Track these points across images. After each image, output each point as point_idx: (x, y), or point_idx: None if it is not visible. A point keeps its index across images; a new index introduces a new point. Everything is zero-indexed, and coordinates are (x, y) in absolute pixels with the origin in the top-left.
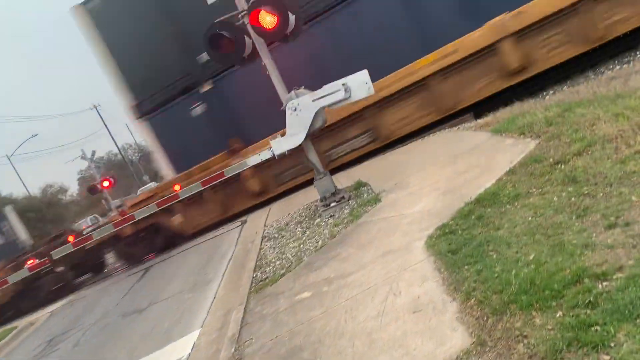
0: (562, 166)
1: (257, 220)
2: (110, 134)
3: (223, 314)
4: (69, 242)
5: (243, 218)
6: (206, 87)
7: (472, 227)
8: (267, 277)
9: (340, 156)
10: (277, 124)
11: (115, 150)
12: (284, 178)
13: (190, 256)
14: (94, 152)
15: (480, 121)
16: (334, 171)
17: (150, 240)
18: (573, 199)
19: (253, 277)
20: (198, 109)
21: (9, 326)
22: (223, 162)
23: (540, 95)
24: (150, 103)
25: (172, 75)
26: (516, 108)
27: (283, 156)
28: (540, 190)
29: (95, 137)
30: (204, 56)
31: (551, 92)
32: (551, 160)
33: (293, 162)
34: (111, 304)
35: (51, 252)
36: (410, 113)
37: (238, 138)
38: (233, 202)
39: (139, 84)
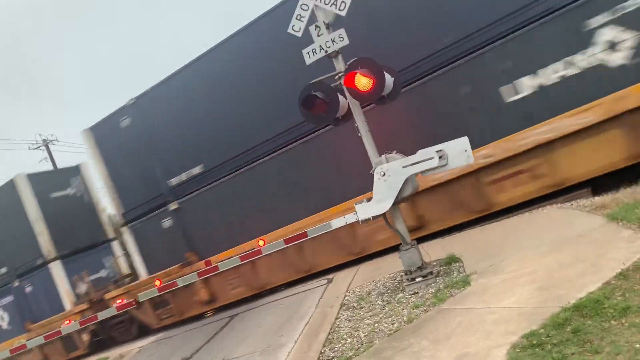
0: None
1: (342, 282)
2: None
3: None
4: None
5: (330, 276)
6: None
7: (565, 343)
8: (333, 357)
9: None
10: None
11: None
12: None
13: (274, 310)
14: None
15: (597, 199)
16: (428, 238)
17: None
18: None
19: (320, 353)
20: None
21: (101, 355)
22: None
23: None
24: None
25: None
26: None
27: (367, 221)
28: None
29: None
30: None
31: None
32: None
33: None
34: (192, 349)
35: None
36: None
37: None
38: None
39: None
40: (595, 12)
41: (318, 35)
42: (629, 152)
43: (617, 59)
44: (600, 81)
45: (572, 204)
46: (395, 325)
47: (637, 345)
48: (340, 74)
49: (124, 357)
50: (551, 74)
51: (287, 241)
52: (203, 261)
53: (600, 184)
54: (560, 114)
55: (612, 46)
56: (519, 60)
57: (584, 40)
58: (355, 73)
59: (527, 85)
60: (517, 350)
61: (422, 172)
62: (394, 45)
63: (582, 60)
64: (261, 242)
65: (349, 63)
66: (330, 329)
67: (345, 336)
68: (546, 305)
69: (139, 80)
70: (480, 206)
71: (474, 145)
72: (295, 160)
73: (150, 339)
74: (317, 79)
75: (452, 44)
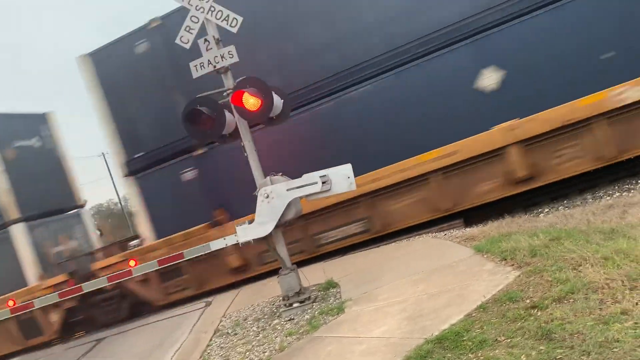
0: (539, 313)
1: (221, 305)
2: (114, 183)
3: None
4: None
5: (209, 298)
6: (199, 152)
7: None
8: None
9: (329, 242)
10: None
11: (116, 199)
12: (265, 258)
13: (147, 333)
14: (85, 201)
15: (468, 230)
16: (310, 261)
17: (116, 306)
18: None
19: None
20: (189, 174)
21: None
22: (205, 232)
23: (535, 212)
24: (141, 162)
25: (168, 136)
26: (505, 224)
27: (248, 244)
28: (509, 340)
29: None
30: None
31: (546, 209)
32: (528, 302)
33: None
34: None
35: None
36: (406, 208)
37: (223, 209)
38: (209, 277)
39: (132, 140)
40: None
41: (207, 50)
42: None
43: None
44: None
45: (445, 234)
46: (266, 354)
47: None
48: (228, 91)
49: None
50: None
51: (160, 262)
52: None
53: (471, 215)
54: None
55: None
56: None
57: None
58: (243, 92)
59: None
60: None
61: (305, 196)
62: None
63: None
64: None
65: (237, 81)
66: (200, 357)
67: None
68: (412, 336)
69: None
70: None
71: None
72: None
73: None
74: (204, 94)
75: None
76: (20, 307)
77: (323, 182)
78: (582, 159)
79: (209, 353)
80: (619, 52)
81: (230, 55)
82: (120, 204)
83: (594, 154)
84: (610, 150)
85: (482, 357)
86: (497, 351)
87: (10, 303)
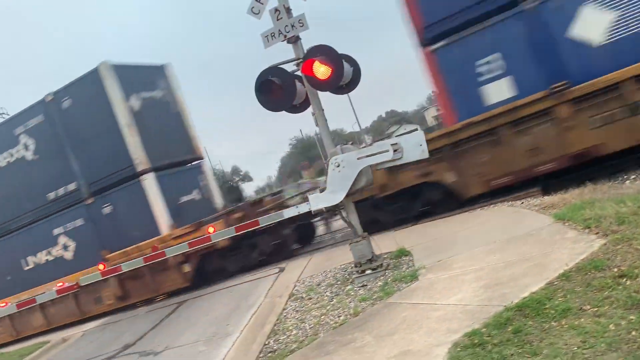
0: (628, 282)
1: (293, 271)
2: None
3: None
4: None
5: (282, 264)
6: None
7: (506, 343)
8: (276, 349)
9: None
10: None
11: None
12: None
13: (224, 297)
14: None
15: (547, 199)
16: (381, 229)
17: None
18: (634, 332)
19: (265, 344)
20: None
21: (42, 339)
22: None
23: (620, 179)
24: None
25: None
26: (588, 191)
27: (321, 212)
28: (596, 309)
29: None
30: None
31: (633, 176)
32: (616, 270)
33: None
34: (137, 335)
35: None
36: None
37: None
38: None
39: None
40: None
41: (277, 19)
42: None
43: None
44: None
45: (522, 202)
46: (341, 318)
47: (575, 348)
48: (298, 61)
49: (66, 341)
50: None
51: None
52: None
53: (550, 184)
54: None
55: None
56: None
57: None
58: (314, 60)
59: None
60: (458, 349)
61: (376, 164)
62: None
63: None
64: None
65: (307, 49)
66: (277, 320)
67: (290, 328)
68: (490, 303)
69: None
70: None
71: None
72: None
73: (95, 323)
74: (275, 64)
75: None
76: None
77: (394, 150)
78: None
79: (285, 316)
80: None
81: (301, 24)
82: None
83: None
84: None
85: (566, 326)
86: (582, 320)
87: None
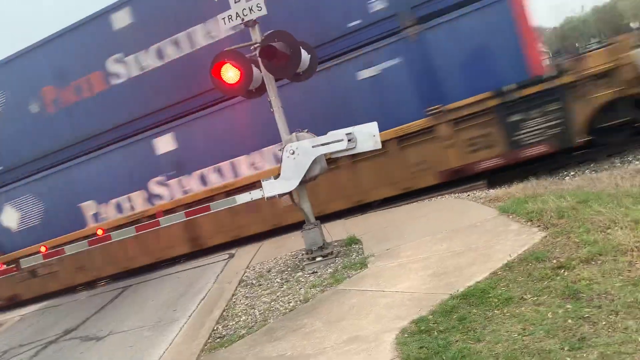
0: (566, 273)
1: (244, 257)
2: None
3: None
4: None
5: (232, 250)
6: None
7: (451, 330)
8: (225, 335)
9: None
10: None
11: None
12: None
13: (171, 283)
14: None
15: (492, 192)
16: (331, 217)
17: None
18: (570, 320)
19: (213, 330)
20: None
21: None
22: None
23: (560, 175)
24: None
25: None
26: (530, 186)
27: (273, 198)
28: (535, 298)
29: None
30: None
31: (572, 172)
32: (555, 262)
33: None
34: (79, 320)
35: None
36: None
37: None
38: None
39: None
40: None
41: (235, 2)
42: None
43: None
44: None
45: (468, 195)
46: (291, 304)
47: (515, 335)
48: (256, 45)
49: (2, 325)
50: None
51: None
52: None
53: (494, 178)
54: None
55: None
56: None
57: None
58: (272, 45)
59: None
60: (406, 335)
61: (330, 153)
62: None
63: None
64: None
65: (265, 34)
66: (226, 305)
67: (240, 314)
68: (437, 291)
69: None
70: None
71: None
72: None
73: (33, 307)
74: (232, 47)
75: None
76: None
77: (349, 140)
78: None
79: (234, 302)
80: None
81: (259, 8)
82: None
83: None
84: None
85: (508, 314)
86: (523, 308)
87: None
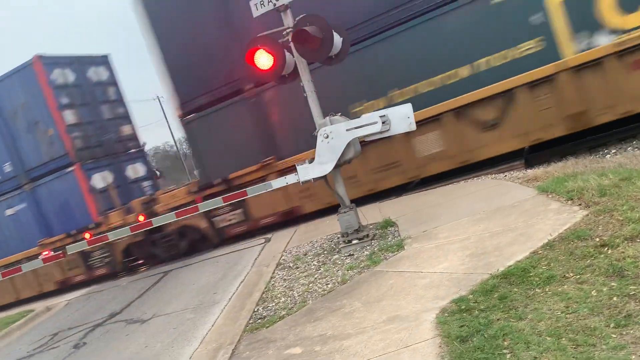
0: (609, 251)
1: (280, 241)
2: (169, 126)
3: (214, 348)
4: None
5: (268, 235)
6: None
7: (492, 308)
8: (266, 316)
9: None
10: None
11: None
12: None
13: (210, 267)
14: (144, 144)
15: (530, 172)
16: (366, 201)
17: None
18: (615, 298)
19: (254, 312)
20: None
21: (27, 308)
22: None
23: (601, 153)
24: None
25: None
26: (570, 165)
27: (309, 182)
28: (578, 277)
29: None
30: None
31: (613, 150)
32: (597, 240)
33: None
34: (123, 304)
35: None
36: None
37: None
38: None
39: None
40: None
41: None
42: None
43: None
44: None
45: (505, 175)
46: (329, 286)
47: (559, 313)
48: (288, 29)
49: (51, 310)
50: None
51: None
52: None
53: (532, 157)
54: None
55: None
56: None
57: None
58: (304, 30)
59: None
60: (446, 314)
61: (364, 136)
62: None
63: None
64: None
65: (297, 19)
66: (265, 288)
67: (279, 295)
68: (476, 272)
69: None
70: None
71: None
72: None
73: (79, 292)
74: (263, 34)
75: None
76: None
77: (383, 122)
78: None
79: (272, 284)
80: None
81: None
82: (176, 146)
83: None
84: None
85: (550, 292)
86: (565, 287)
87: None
